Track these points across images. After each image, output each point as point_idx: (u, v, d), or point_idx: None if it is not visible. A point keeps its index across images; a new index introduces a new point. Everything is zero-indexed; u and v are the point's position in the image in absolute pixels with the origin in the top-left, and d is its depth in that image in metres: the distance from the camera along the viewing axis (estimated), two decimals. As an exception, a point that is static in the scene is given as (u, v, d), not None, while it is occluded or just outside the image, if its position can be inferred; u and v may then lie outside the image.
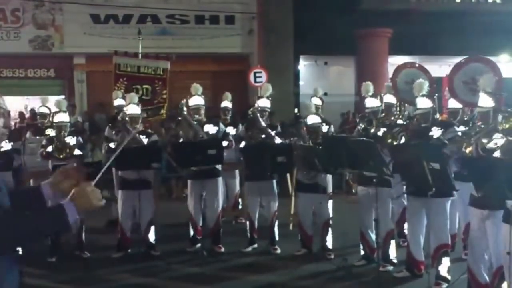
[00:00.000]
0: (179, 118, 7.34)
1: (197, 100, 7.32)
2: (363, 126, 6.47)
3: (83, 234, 7.00)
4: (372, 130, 6.37)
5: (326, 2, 14.64)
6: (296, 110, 15.50)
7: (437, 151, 4.98)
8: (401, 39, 15.20)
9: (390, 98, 7.10)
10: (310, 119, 6.89)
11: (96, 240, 7.56)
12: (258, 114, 7.31)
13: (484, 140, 4.36)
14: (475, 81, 5.88)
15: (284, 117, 12.82)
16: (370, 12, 15.13)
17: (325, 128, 7.67)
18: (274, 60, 14.52)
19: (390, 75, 12.66)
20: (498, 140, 4.32)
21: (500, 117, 4.38)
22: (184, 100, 7.34)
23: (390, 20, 14.94)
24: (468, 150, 4.46)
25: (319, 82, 16.14)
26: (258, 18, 15.11)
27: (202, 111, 7.35)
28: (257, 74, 13.79)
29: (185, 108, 7.18)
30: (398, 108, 7.26)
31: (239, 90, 14.26)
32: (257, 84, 12.84)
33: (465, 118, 6.57)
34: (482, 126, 4.73)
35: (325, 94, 15.51)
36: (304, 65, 17.30)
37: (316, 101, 8.22)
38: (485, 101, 4.76)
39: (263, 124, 7.25)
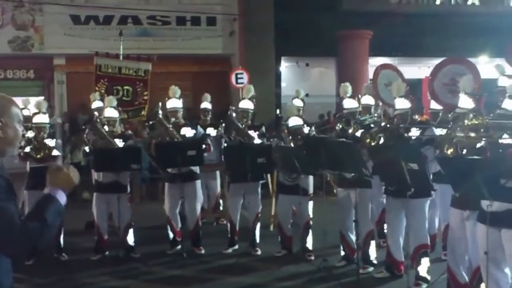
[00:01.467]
0: (154, 121, 7.25)
1: (174, 102, 7.24)
2: (341, 126, 6.48)
3: (62, 236, 6.92)
4: (350, 131, 6.39)
5: (307, 3, 14.68)
6: (278, 111, 15.50)
7: (415, 152, 5.01)
8: (381, 41, 15.28)
9: (368, 99, 7.14)
10: (292, 121, 6.89)
11: (75, 242, 7.48)
12: (234, 115, 7.28)
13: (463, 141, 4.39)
14: (455, 82, 5.94)
15: (266, 118, 12.80)
16: (350, 13, 15.21)
17: (306, 130, 7.67)
18: (255, 61, 14.50)
19: (371, 76, 12.77)
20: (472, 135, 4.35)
21: (470, 115, 4.40)
22: (160, 103, 7.28)
23: (371, 21, 15.01)
24: (449, 151, 4.49)
25: (300, 84, 16.18)
26: (240, 19, 15.08)
27: (180, 114, 7.27)
28: (239, 76, 13.78)
29: (160, 111, 7.11)
30: (375, 109, 7.28)
31: (221, 92, 14.26)
32: (238, 86, 12.83)
33: (450, 118, 6.63)
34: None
35: (307, 95, 15.63)
36: (285, 67, 17.31)
37: (298, 102, 8.23)
38: (465, 102, 4.81)
39: (239, 125, 7.21)
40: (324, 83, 17.45)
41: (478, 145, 4.37)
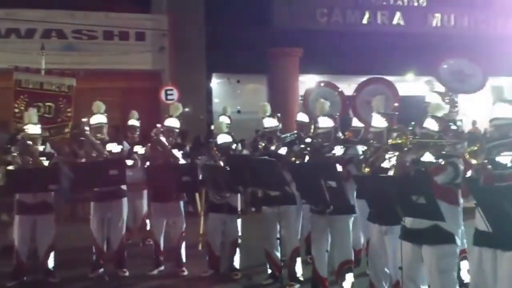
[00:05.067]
0: (81, 137, 7.01)
1: (99, 118, 7.05)
2: (263, 144, 6.49)
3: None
4: (273, 148, 6.39)
5: (238, 20, 14.75)
6: (212, 127, 15.42)
7: (333, 170, 5.07)
8: (311, 58, 15.55)
9: (302, 117, 7.17)
10: (220, 138, 6.83)
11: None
12: (161, 134, 7.12)
13: (379, 160, 4.48)
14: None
15: (197, 134, 12.70)
16: (281, 31, 15.42)
17: (234, 146, 7.61)
18: (186, 77, 14.40)
19: (301, 93, 12.93)
20: (392, 158, 4.44)
21: (394, 134, 4.51)
22: (86, 118, 7.05)
23: (301, 39, 15.28)
24: (367, 170, 4.56)
25: (232, 100, 16.22)
26: (170, 34, 14.95)
27: (105, 130, 7.09)
28: (169, 92, 13.66)
29: (86, 127, 6.88)
30: (311, 127, 7.32)
31: (150, 108, 14.01)
32: (168, 102, 12.68)
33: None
34: (377, 145, 4.88)
35: (238, 111, 15.66)
36: (217, 83, 17.29)
37: (225, 119, 8.18)
38: (378, 121, 4.92)
39: (166, 145, 7.06)
40: (256, 99, 17.43)
41: (390, 163, 4.46)
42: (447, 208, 4.16)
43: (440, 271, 4.37)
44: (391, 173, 4.45)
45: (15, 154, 6.66)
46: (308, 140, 6.27)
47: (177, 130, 7.35)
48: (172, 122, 7.27)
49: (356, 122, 6.88)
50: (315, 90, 7.64)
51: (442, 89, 6.45)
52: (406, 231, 4.44)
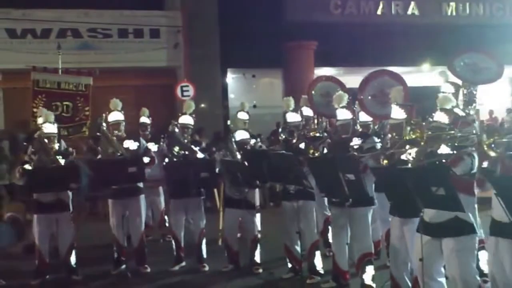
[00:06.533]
0: (98, 134, 7.08)
1: (116, 115, 7.11)
2: (284, 137, 6.50)
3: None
4: (294, 141, 6.39)
5: (251, 15, 14.72)
6: (228, 122, 15.46)
7: (352, 163, 5.06)
8: (326, 51, 15.49)
9: (307, 111, 7.16)
10: (239, 135, 6.85)
11: (13, 266, 7.14)
12: (176, 130, 7.16)
13: (399, 152, 4.47)
14: (384, 94, 6.04)
15: (213, 130, 12.72)
16: (295, 24, 15.35)
17: (253, 142, 7.63)
18: (201, 73, 14.42)
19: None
20: (411, 150, 4.43)
21: (408, 129, 4.50)
22: (104, 115, 7.11)
23: (315, 32, 15.20)
24: (385, 162, 4.55)
25: (248, 95, 16.23)
26: (184, 31, 14.97)
27: (122, 127, 7.14)
28: (184, 88, 13.67)
29: (104, 124, 6.94)
30: (316, 121, 7.31)
31: (166, 105, 14.08)
32: (184, 98, 12.68)
33: (376, 129, 6.72)
34: (396, 137, 4.85)
35: (254, 106, 15.66)
36: (232, 78, 17.30)
37: (243, 115, 8.18)
38: (397, 113, 4.90)
39: (182, 140, 7.10)
40: (272, 94, 17.52)
41: (408, 156, 4.43)
42: (464, 199, 4.12)
43: (461, 262, 4.34)
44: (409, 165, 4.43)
45: (31, 153, 6.76)
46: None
47: (191, 127, 7.37)
48: (186, 119, 7.30)
49: (363, 117, 6.81)
50: (318, 85, 7.62)
51: (458, 80, 6.40)
52: (425, 225, 4.41)
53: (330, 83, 7.45)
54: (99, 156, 7.05)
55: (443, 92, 5.72)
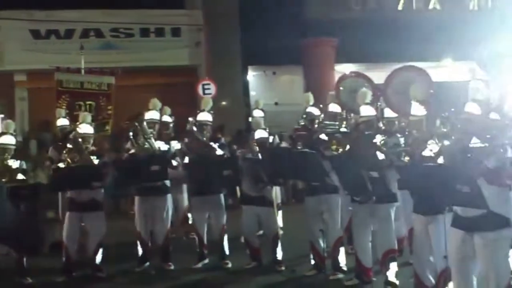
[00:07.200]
0: (133, 130, 7.10)
1: (152, 114, 7.23)
2: (303, 123, 6.52)
3: (24, 258, 6.70)
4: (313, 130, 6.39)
5: (271, 12, 14.72)
6: (250, 119, 15.49)
7: (375, 160, 5.04)
8: (346, 48, 15.43)
9: (334, 107, 7.14)
10: (258, 134, 6.88)
11: (39, 264, 7.26)
12: (194, 128, 7.20)
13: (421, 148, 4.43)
14: (407, 90, 5.98)
15: (235, 127, 12.77)
16: (314, 21, 15.31)
17: (270, 139, 7.63)
18: (222, 71, 14.48)
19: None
20: (433, 146, 4.39)
21: (438, 122, 4.45)
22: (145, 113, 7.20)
23: (335, 29, 15.15)
24: (406, 158, 4.52)
25: (269, 92, 16.25)
26: (205, 29, 15.04)
27: (157, 126, 7.27)
28: (206, 86, 13.74)
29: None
30: (344, 116, 7.28)
31: (188, 103, 14.14)
32: (206, 96, 12.73)
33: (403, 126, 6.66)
34: (416, 134, 4.82)
35: (276, 104, 15.67)
36: (253, 76, 17.32)
37: (258, 113, 8.19)
38: (417, 109, 4.86)
39: (200, 136, 7.14)
40: (293, 91, 17.49)
41: (431, 152, 4.39)
42: (498, 191, 4.06)
43: (494, 258, 4.21)
44: (435, 161, 4.38)
45: (66, 152, 6.86)
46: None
47: (210, 124, 7.39)
48: (204, 116, 7.32)
49: (388, 113, 6.75)
50: (346, 81, 7.58)
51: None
52: (458, 219, 4.32)
53: (358, 79, 7.41)
54: (132, 151, 7.08)
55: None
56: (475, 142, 4.28)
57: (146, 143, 6.87)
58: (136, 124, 6.81)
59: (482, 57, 6.19)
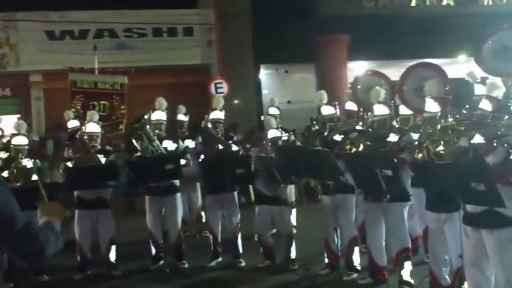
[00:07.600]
0: (139, 132, 7.15)
1: (159, 115, 7.22)
2: (316, 127, 6.51)
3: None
4: (326, 133, 6.37)
5: (283, 10, 14.69)
6: (262, 118, 15.48)
7: (389, 159, 5.02)
8: (359, 45, 15.32)
9: (351, 105, 7.12)
10: (271, 133, 6.89)
11: (54, 262, 7.31)
12: (209, 125, 7.22)
13: (434, 145, 4.40)
14: (422, 87, 5.93)
15: (247, 126, 12.78)
16: (327, 19, 15.24)
17: (285, 137, 7.63)
18: (234, 70, 14.49)
19: (350, 80, 12.81)
20: (446, 144, 4.36)
21: (450, 119, 4.42)
22: (148, 114, 7.21)
23: (348, 26, 15.07)
24: (419, 156, 4.50)
25: (281, 91, 16.20)
26: (217, 29, 15.07)
27: (163, 127, 7.26)
28: (218, 85, 13.75)
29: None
30: (361, 115, 7.26)
31: (201, 102, 14.16)
32: (218, 95, 12.75)
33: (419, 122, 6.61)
34: (430, 130, 4.78)
35: (289, 102, 15.63)
36: (265, 74, 17.30)
37: (274, 111, 8.19)
38: (431, 106, 4.83)
39: (215, 134, 7.16)
40: (305, 89, 17.42)
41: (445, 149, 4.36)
42: (503, 190, 3.94)
43: (502, 258, 4.16)
44: (449, 159, 4.35)
45: (73, 151, 6.91)
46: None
47: (222, 121, 7.41)
48: (216, 114, 7.35)
49: (403, 110, 6.72)
50: (363, 79, 7.55)
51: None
52: (466, 215, 4.31)
53: (375, 78, 7.38)
54: (139, 153, 7.13)
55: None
56: (478, 139, 4.24)
57: (150, 147, 6.90)
58: (137, 128, 6.82)
59: (484, 52, 6.01)
